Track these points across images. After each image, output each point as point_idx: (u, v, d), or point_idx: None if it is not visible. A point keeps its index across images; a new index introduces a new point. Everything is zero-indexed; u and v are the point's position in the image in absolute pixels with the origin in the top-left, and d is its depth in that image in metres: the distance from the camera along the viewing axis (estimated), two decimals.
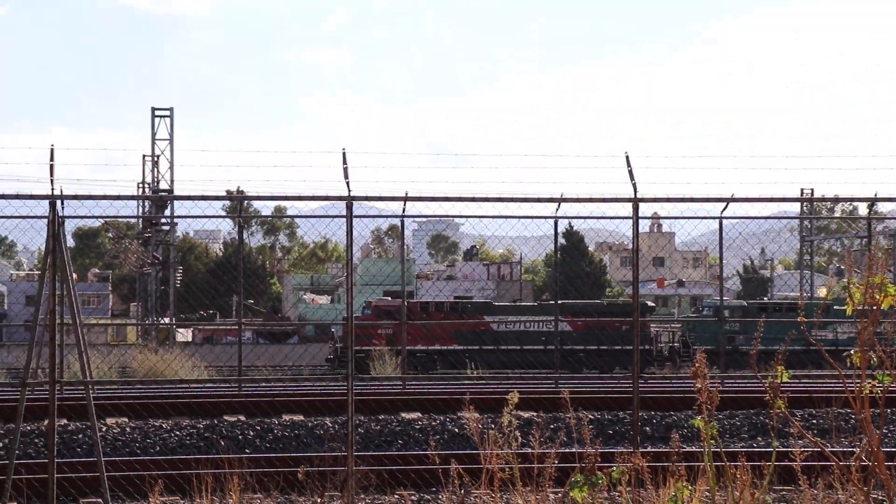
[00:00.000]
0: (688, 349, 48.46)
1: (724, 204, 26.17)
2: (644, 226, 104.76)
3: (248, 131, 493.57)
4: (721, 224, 30.73)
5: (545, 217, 29.09)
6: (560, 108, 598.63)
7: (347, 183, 13.80)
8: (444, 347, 41.40)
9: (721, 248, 32.23)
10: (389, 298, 57.84)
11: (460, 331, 46.85)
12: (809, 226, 65.57)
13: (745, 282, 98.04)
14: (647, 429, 21.66)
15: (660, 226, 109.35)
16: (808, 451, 9.86)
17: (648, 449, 17.77)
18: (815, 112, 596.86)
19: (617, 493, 10.93)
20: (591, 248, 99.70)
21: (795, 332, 10.31)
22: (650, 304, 53.23)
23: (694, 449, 16.10)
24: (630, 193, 14.39)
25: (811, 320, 15.86)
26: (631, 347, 52.30)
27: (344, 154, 14.20)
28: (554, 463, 9.87)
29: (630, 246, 42.73)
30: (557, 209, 27.76)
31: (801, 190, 51.47)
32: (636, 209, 14.47)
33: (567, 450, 13.27)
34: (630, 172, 14.42)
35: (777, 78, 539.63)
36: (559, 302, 54.39)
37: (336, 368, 46.33)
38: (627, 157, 14.57)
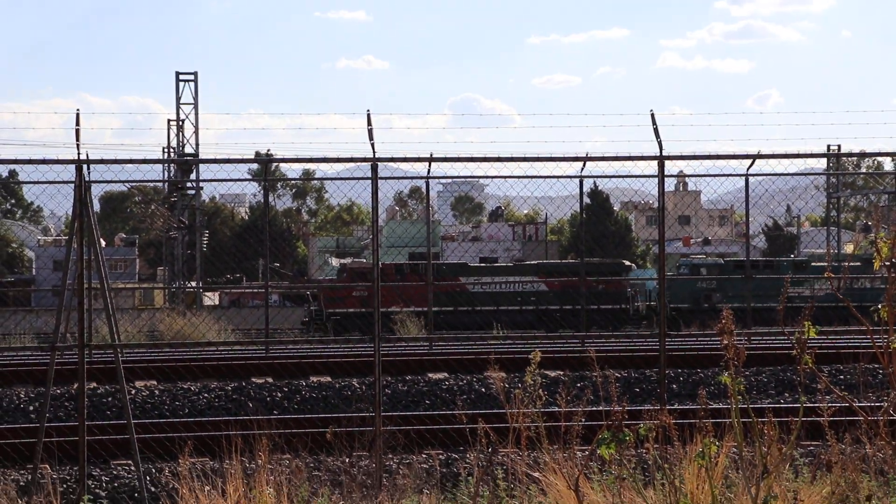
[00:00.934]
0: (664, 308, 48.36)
1: (751, 161, 26.08)
2: (670, 184, 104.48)
3: (272, 95, 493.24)
4: (747, 181, 30.66)
5: (570, 177, 29.04)
6: (585, 70, 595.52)
7: (372, 145, 13.79)
8: (419, 309, 40.95)
9: (747, 205, 32.17)
10: (364, 261, 57.98)
11: (436, 293, 46.81)
12: (836, 182, 65.22)
13: (770, 239, 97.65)
14: (674, 386, 21.68)
15: (685, 184, 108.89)
16: (835, 406, 9.85)
17: (675, 406, 17.79)
18: (840, 67, 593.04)
19: (644, 450, 10.96)
20: (616, 208, 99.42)
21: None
22: (626, 263, 53.23)
23: (721, 405, 16.11)
24: (655, 151, 14.35)
25: (789, 276, 15.91)
26: (609, 307, 51.35)
27: (368, 116, 14.18)
28: (581, 421, 9.88)
29: (656, 204, 42.60)
30: (583, 168, 27.67)
31: (828, 146, 51.14)
32: (662, 167, 14.43)
33: (594, 408, 13.29)
34: (655, 130, 14.37)
35: (801, 32, 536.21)
36: (537, 263, 54.21)
37: (312, 331, 46.17)
38: (653, 115, 14.51)
